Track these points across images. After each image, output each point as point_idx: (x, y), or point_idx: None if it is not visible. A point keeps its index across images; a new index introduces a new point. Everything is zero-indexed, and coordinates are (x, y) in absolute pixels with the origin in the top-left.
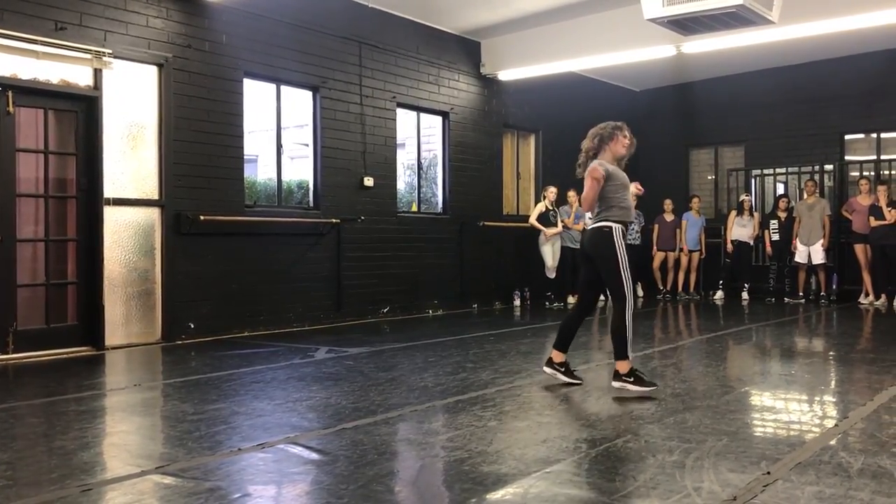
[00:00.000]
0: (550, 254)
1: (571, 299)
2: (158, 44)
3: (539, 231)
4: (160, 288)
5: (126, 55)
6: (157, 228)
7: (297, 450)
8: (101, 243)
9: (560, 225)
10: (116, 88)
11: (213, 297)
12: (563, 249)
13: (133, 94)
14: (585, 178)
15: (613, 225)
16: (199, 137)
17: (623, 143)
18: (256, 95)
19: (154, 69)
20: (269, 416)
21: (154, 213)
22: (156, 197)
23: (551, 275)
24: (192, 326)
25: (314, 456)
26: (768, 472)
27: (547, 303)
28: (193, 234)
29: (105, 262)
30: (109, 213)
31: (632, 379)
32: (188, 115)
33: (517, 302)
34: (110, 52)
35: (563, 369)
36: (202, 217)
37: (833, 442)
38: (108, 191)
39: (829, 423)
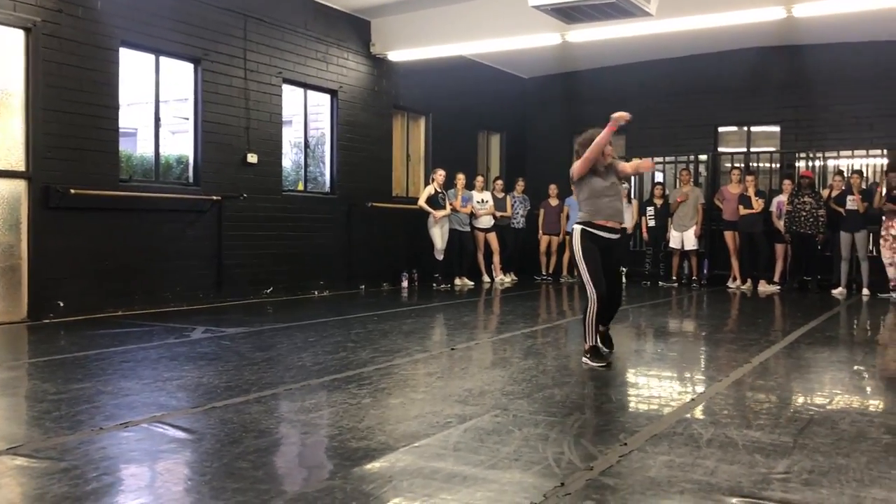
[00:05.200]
0: (439, 236)
1: (459, 281)
2: (26, 6)
3: (428, 213)
4: (26, 264)
5: None
6: (23, 202)
7: (163, 428)
8: None
9: (448, 207)
10: None
11: (84, 274)
12: (452, 232)
13: None
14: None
15: (575, 227)
16: (71, 107)
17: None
18: (135, 66)
19: (21, 33)
20: (137, 395)
21: (20, 186)
22: (22, 168)
23: (440, 256)
24: (62, 305)
25: (180, 434)
26: (625, 444)
27: (435, 284)
28: (63, 209)
29: None
30: None
31: (589, 355)
32: (59, 84)
33: (405, 283)
34: None
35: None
36: (73, 191)
37: (688, 415)
38: None
39: (687, 398)
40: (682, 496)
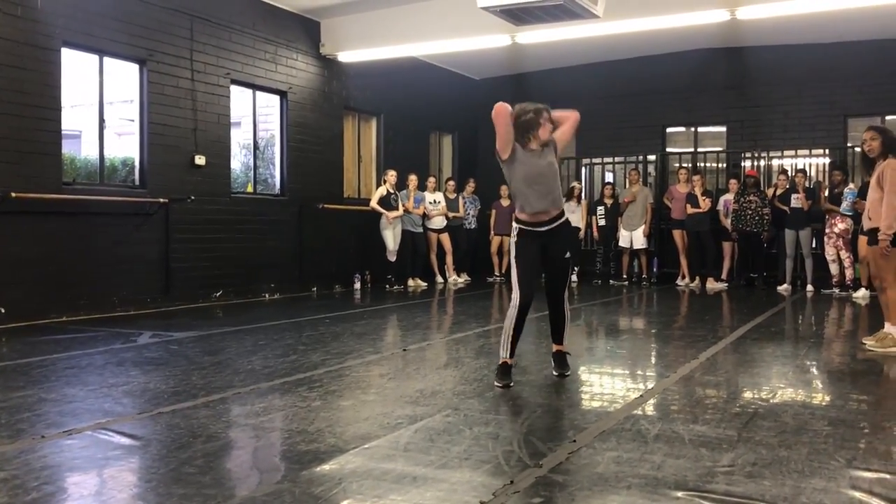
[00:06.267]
0: (391, 237)
1: (412, 282)
2: None
3: (380, 214)
4: None
5: None
6: None
7: (108, 435)
8: None
9: (401, 209)
10: None
11: (27, 279)
12: (404, 233)
13: None
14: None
15: (514, 226)
16: (11, 109)
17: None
18: (79, 67)
19: None
20: (81, 402)
21: None
22: None
23: (392, 258)
24: (3, 311)
25: (125, 441)
26: (574, 440)
27: (387, 286)
28: (3, 213)
29: None
30: None
31: (496, 371)
32: None
33: (357, 285)
34: None
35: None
36: (14, 194)
37: (637, 411)
38: None
39: (636, 394)
40: (629, 491)
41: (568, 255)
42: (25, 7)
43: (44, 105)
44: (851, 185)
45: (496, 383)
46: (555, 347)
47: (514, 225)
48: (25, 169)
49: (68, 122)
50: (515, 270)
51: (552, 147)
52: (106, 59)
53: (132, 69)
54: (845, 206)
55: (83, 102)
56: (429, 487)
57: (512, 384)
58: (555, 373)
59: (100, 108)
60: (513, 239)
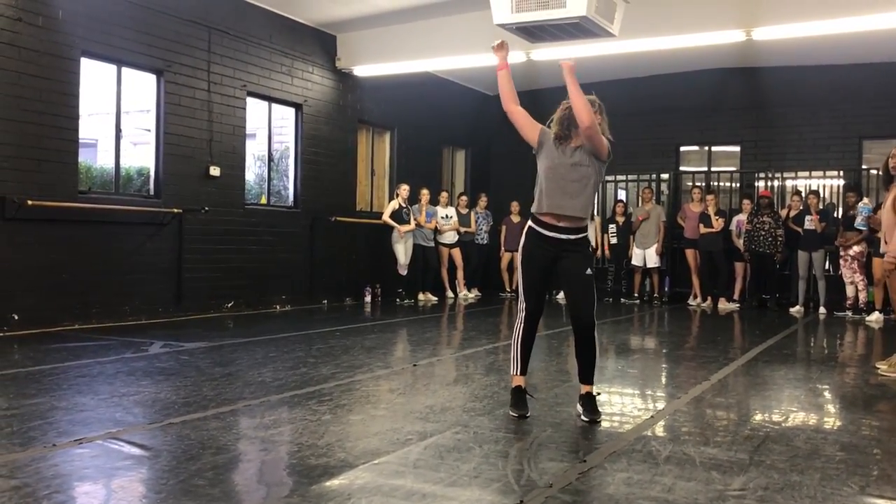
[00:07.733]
0: (403, 251)
1: (422, 297)
2: None
3: (392, 228)
4: None
5: None
6: None
7: (118, 445)
8: None
9: (413, 222)
10: None
11: (40, 287)
12: (416, 247)
13: None
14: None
15: (527, 224)
16: (30, 117)
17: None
18: (97, 76)
19: None
20: (92, 411)
21: None
22: None
23: (403, 272)
24: (16, 318)
25: (135, 451)
26: (584, 461)
27: (398, 299)
28: (19, 220)
29: None
30: None
31: (511, 400)
32: (17, 93)
33: (368, 298)
34: None
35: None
36: (30, 202)
37: (647, 432)
38: None
39: (647, 415)
40: None
41: (589, 271)
42: (46, 17)
43: (62, 114)
44: (866, 200)
45: (511, 412)
46: (583, 388)
47: (528, 224)
48: (42, 177)
49: (84, 131)
50: (521, 279)
51: (586, 152)
52: (124, 69)
53: (149, 79)
54: (860, 220)
55: (100, 111)
56: None
57: (528, 414)
58: (584, 419)
59: (117, 118)
60: (521, 242)
